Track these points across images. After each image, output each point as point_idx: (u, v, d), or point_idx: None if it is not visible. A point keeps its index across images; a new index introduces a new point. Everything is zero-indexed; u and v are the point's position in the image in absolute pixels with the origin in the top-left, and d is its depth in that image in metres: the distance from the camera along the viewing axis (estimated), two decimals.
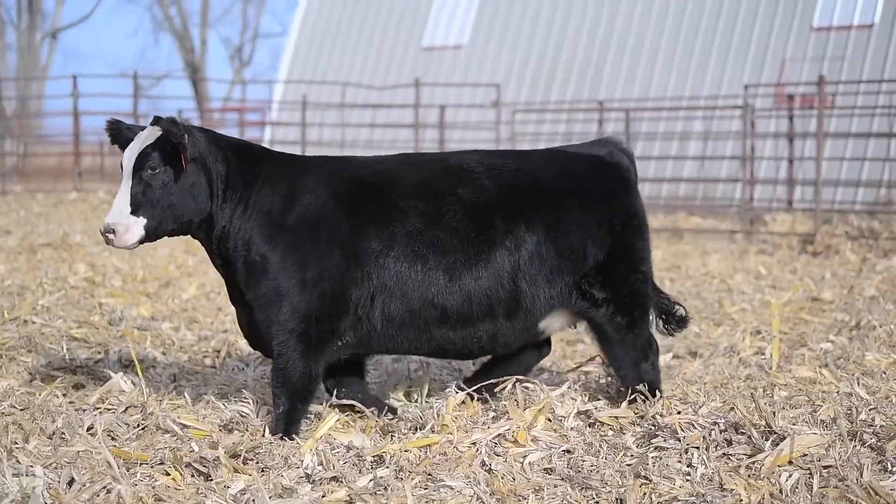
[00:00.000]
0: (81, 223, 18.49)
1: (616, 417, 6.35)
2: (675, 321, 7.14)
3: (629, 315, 6.78)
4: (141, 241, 6.28)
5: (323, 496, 5.15)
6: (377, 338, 6.49)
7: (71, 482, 5.16)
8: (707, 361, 8.39)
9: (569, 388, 6.92)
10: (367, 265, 6.38)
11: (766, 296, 11.70)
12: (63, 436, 5.98)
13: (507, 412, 6.25)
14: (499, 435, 5.92)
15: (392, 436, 6.13)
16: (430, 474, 5.46)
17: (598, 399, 6.68)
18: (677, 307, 7.18)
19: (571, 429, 6.12)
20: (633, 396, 6.62)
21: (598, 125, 23.55)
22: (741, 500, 5.16)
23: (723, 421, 6.00)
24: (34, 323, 8.92)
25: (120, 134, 6.39)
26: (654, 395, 6.66)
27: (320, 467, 5.50)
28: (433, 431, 6.03)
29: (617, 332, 6.76)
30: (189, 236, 6.49)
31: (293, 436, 6.18)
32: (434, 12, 30.45)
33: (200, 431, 6.08)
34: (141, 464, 5.54)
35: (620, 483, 5.40)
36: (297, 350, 6.33)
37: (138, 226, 6.21)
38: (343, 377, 6.72)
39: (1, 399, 6.71)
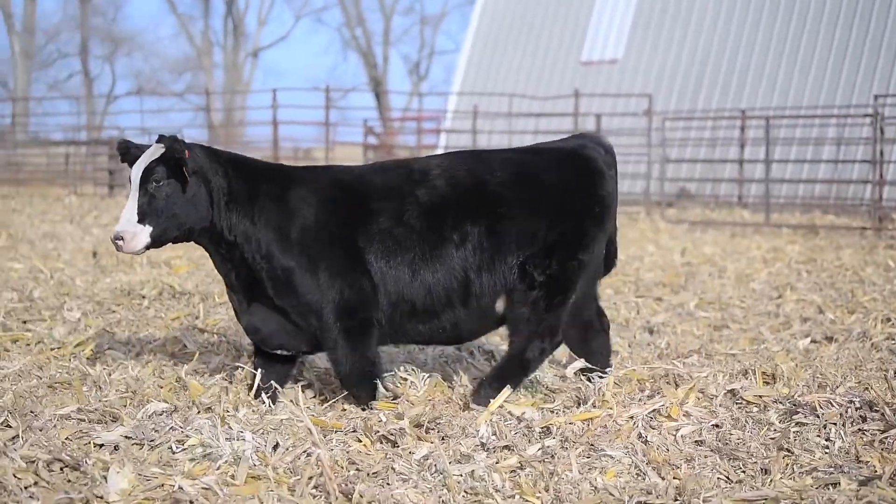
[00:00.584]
0: None
1: (760, 396, 6.19)
2: None
3: (550, 298, 6.39)
4: (147, 247, 6.23)
5: (496, 462, 5.12)
6: (384, 329, 6.43)
7: (276, 446, 5.24)
8: (842, 346, 8.13)
9: (717, 369, 6.82)
10: (364, 259, 6.32)
11: (895, 286, 11.32)
12: (268, 405, 6.11)
13: (661, 390, 6.17)
14: (654, 410, 5.81)
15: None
16: (592, 444, 5.40)
17: (745, 379, 6.51)
18: None
19: (720, 406, 5.99)
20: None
21: (741, 132, 23.15)
22: (875, 472, 5.00)
23: (858, 399, 5.82)
24: None
25: (129, 153, 6.32)
26: (519, 373, 6.38)
27: (494, 437, 5.48)
28: (594, 406, 5.97)
29: (534, 310, 6.38)
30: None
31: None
32: (591, 30, 30.33)
33: (387, 404, 6.14)
34: (336, 431, 5.61)
35: (765, 455, 5.28)
36: (345, 344, 6.32)
37: (144, 233, 6.17)
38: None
39: (214, 372, 6.89)
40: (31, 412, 5.62)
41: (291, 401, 6.09)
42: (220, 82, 54.10)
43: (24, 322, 8.60)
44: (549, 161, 6.62)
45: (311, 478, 4.81)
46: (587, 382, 6.36)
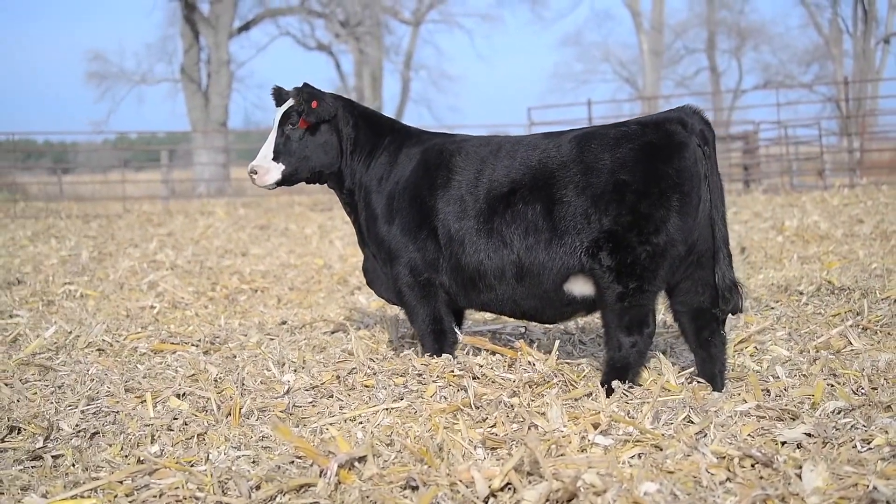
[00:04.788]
0: None
1: None
2: (726, 305, 6.31)
3: (623, 285, 6.12)
4: (278, 184, 7.02)
5: None
6: (453, 291, 6.75)
7: None
8: None
9: None
10: (436, 222, 6.63)
11: None
12: None
13: None
14: None
15: None
16: None
17: None
18: (736, 293, 6.30)
19: None
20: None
21: None
22: None
23: None
24: None
25: (280, 97, 7.06)
26: (620, 373, 6.21)
27: None
28: None
29: (611, 298, 6.18)
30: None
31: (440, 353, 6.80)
32: None
33: None
34: None
35: None
36: (410, 296, 6.84)
37: (276, 170, 6.97)
38: None
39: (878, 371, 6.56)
40: (712, 409, 5.75)
41: None
42: (849, 71, 52.21)
43: None
44: (612, 138, 6.23)
45: None
46: None
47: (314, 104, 6.96)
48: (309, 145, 7.05)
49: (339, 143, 7.10)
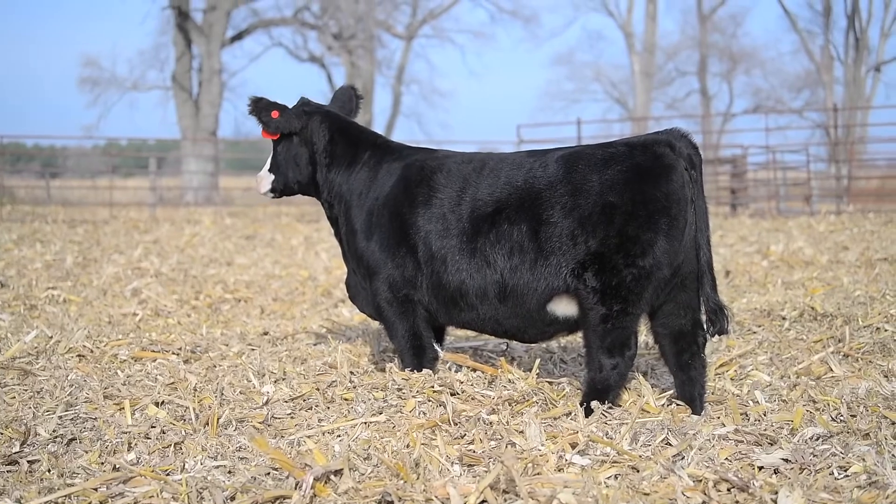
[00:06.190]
0: None
1: None
2: (713, 327, 6.27)
3: (608, 307, 6.08)
4: (272, 192, 7.29)
5: None
6: (433, 309, 6.71)
7: None
8: None
9: None
10: (415, 239, 6.60)
11: None
12: None
13: None
14: None
15: None
16: None
17: None
18: (722, 316, 6.25)
19: None
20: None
21: None
22: None
23: None
24: (886, 330, 8.69)
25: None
26: (600, 394, 6.18)
27: None
28: None
29: (595, 319, 6.13)
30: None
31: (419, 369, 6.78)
32: None
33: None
34: None
35: None
36: (389, 311, 6.82)
37: (267, 180, 7.23)
38: None
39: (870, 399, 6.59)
40: (691, 432, 5.76)
41: None
42: (840, 98, 52.50)
43: None
44: (600, 159, 6.20)
45: None
46: None
47: (274, 114, 7.06)
48: (285, 158, 7.21)
49: (312, 155, 7.17)
